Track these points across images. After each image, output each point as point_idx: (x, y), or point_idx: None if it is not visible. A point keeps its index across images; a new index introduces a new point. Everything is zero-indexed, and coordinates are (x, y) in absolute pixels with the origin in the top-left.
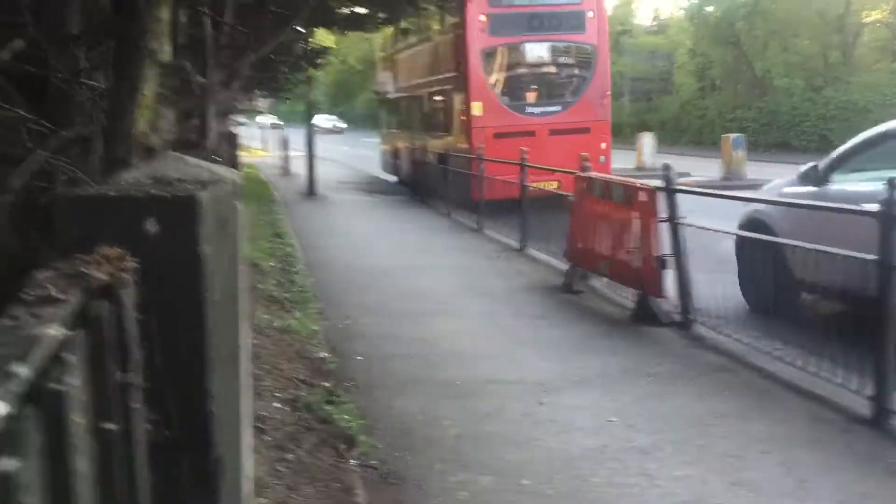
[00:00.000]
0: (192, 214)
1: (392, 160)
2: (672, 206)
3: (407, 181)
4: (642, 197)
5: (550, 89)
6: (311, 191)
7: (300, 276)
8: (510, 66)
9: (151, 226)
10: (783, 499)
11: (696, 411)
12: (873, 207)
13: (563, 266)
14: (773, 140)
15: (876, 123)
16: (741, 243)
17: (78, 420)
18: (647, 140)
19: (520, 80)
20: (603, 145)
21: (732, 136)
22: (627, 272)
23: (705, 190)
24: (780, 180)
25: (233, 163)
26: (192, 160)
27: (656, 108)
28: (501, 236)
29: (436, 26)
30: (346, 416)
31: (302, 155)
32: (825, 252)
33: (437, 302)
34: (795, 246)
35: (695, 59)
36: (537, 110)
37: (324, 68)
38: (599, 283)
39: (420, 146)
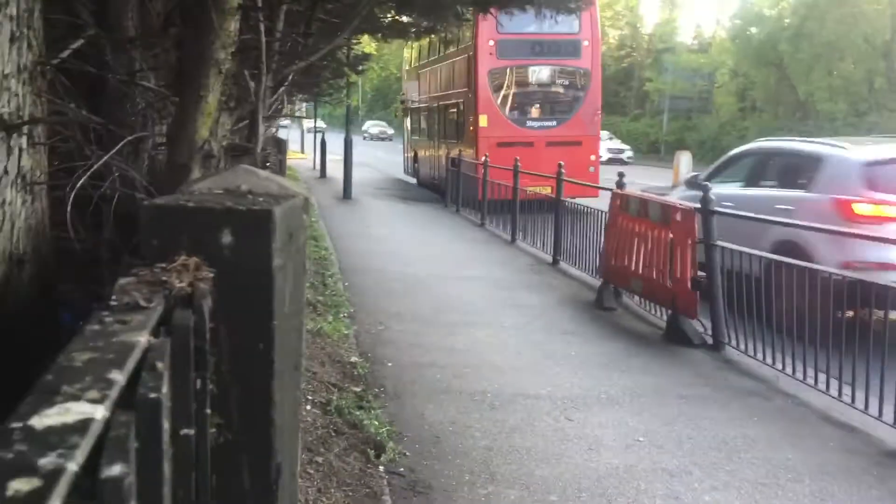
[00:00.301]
0: (266, 228)
1: (413, 164)
2: (708, 228)
3: (425, 183)
4: (679, 217)
5: (548, 106)
6: (346, 194)
7: (333, 280)
8: (514, 85)
9: (226, 237)
10: None
11: (725, 435)
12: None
13: (596, 282)
14: None
15: None
16: None
17: (166, 426)
18: (685, 159)
19: (522, 98)
20: (593, 157)
21: None
22: (661, 291)
23: (742, 213)
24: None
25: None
26: (262, 173)
27: (695, 127)
28: (535, 249)
29: (467, 32)
30: (375, 422)
31: (339, 159)
32: None
33: (469, 313)
34: None
35: (736, 79)
36: (536, 124)
37: (365, 74)
38: (632, 300)
39: (436, 152)
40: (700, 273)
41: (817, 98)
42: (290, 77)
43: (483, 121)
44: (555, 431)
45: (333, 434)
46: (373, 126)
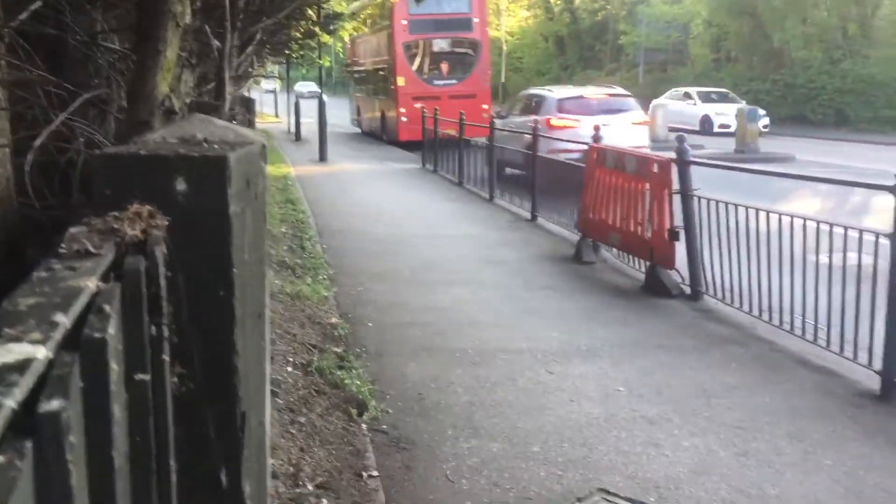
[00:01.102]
0: (221, 174)
1: (357, 117)
2: (685, 179)
3: (366, 131)
4: (655, 168)
5: (450, 68)
6: (322, 157)
7: (311, 243)
8: (423, 54)
9: (180, 185)
10: (789, 469)
11: (704, 383)
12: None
13: (575, 237)
14: (789, 113)
15: (893, 97)
16: None
17: (115, 367)
18: (661, 112)
19: (429, 63)
20: (485, 106)
21: (747, 108)
22: (639, 244)
23: (718, 162)
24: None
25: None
26: (218, 122)
27: (671, 79)
28: (513, 206)
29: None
30: (357, 382)
31: (313, 121)
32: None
33: (449, 271)
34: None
35: (710, 29)
36: (441, 82)
37: (336, 34)
38: (610, 254)
39: (372, 106)
40: (677, 224)
41: (792, 46)
42: (258, 36)
43: (401, 81)
44: (536, 385)
45: (315, 394)
46: (302, 86)
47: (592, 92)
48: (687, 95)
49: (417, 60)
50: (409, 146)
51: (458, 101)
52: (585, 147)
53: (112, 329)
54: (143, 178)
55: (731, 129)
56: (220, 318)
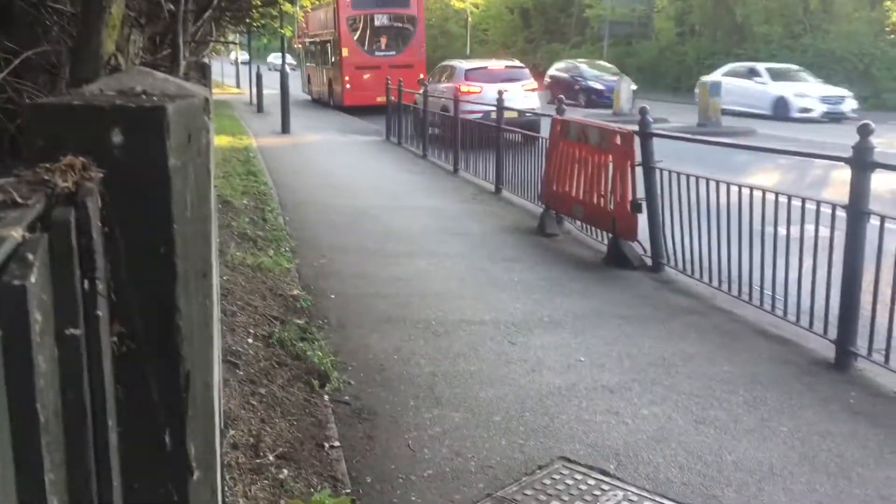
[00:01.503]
0: (159, 126)
1: (308, 85)
2: (647, 151)
3: (315, 98)
4: (618, 140)
5: (389, 41)
6: (285, 128)
7: (274, 215)
8: (365, 27)
9: (116, 137)
10: (746, 436)
11: (664, 352)
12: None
13: (538, 209)
14: None
15: (852, 72)
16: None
17: (38, 317)
18: (625, 85)
19: (371, 35)
20: (421, 76)
21: (710, 82)
22: (601, 215)
23: (680, 135)
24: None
25: None
26: (160, 74)
27: (635, 53)
28: (478, 179)
29: None
30: (319, 353)
31: (276, 93)
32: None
33: (412, 243)
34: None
35: (674, 3)
36: (381, 54)
37: (298, 3)
38: (573, 226)
39: (321, 75)
40: (639, 196)
41: (753, 21)
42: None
43: (345, 52)
44: (498, 355)
45: (276, 366)
46: (275, 58)
47: (494, 64)
48: (753, 72)
49: (360, 33)
50: (353, 111)
51: (398, 71)
52: (487, 109)
53: (34, 278)
54: (77, 129)
55: (814, 115)
56: (160, 276)
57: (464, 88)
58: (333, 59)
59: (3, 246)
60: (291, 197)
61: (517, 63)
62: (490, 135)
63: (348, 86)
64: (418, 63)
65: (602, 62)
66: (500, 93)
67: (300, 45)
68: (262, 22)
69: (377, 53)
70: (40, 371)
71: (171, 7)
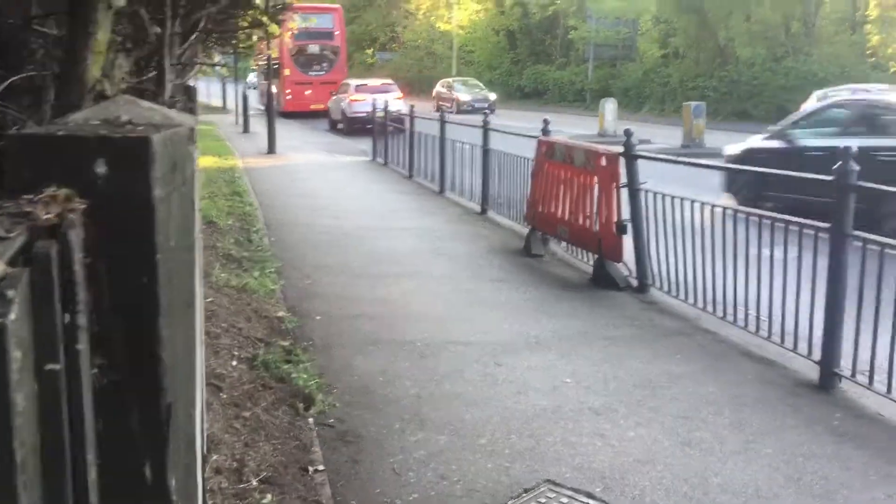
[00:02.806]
0: (144, 157)
1: (260, 98)
2: (632, 172)
3: (265, 107)
4: (603, 162)
5: (319, 64)
6: (271, 148)
7: (259, 236)
8: (301, 54)
9: (100, 167)
10: (731, 457)
11: (650, 374)
12: None
13: (524, 230)
14: (733, 109)
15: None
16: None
17: (17, 355)
18: (610, 106)
19: (306, 60)
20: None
21: (693, 104)
22: (587, 236)
23: (665, 156)
24: None
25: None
26: (145, 103)
27: (620, 75)
28: (463, 199)
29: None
30: (304, 376)
31: (260, 113)
32: None
33: (398, 264)
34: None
35: (658, 26)
36: (314, 73)
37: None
38: (559, 247)
39: (268, 89)
40: (625, 218)
41: (736, 43)
42: (202, 24)
43: (287, 72)
44: (484, 377)
45: (261, 388)
46: (253, 76)
47: (374, 82)
48: None
49: (298, 58)
50: (291, 115)
51: (325, 86)
52: (371, 110)
53: (14, 315)
54: (61, 160)
55: None
56: (143, 307)
57: (354, 97)
58: (278, 78)
59: None
60: (277, 217)
61: (389, 81)
62: (370, 125)
63: (289, 97)
64: (340, 80)
65: (472, 80)
66: (374, 100)
67: (257, 66)
68: (249, 44)
69: (310, 73)
70: (18, 410)
71: (158, 30)
